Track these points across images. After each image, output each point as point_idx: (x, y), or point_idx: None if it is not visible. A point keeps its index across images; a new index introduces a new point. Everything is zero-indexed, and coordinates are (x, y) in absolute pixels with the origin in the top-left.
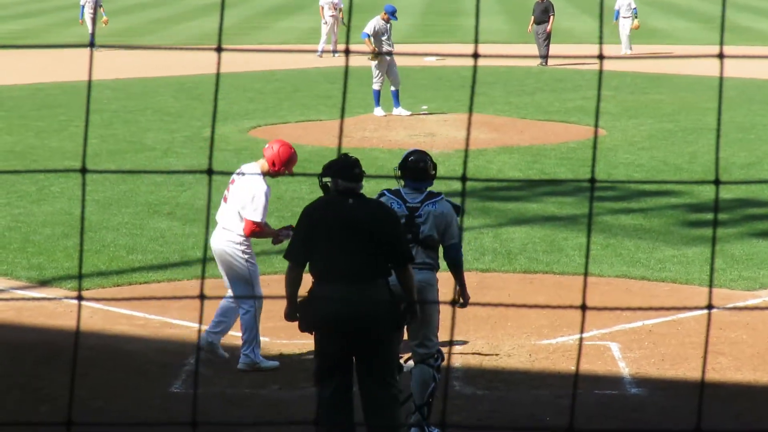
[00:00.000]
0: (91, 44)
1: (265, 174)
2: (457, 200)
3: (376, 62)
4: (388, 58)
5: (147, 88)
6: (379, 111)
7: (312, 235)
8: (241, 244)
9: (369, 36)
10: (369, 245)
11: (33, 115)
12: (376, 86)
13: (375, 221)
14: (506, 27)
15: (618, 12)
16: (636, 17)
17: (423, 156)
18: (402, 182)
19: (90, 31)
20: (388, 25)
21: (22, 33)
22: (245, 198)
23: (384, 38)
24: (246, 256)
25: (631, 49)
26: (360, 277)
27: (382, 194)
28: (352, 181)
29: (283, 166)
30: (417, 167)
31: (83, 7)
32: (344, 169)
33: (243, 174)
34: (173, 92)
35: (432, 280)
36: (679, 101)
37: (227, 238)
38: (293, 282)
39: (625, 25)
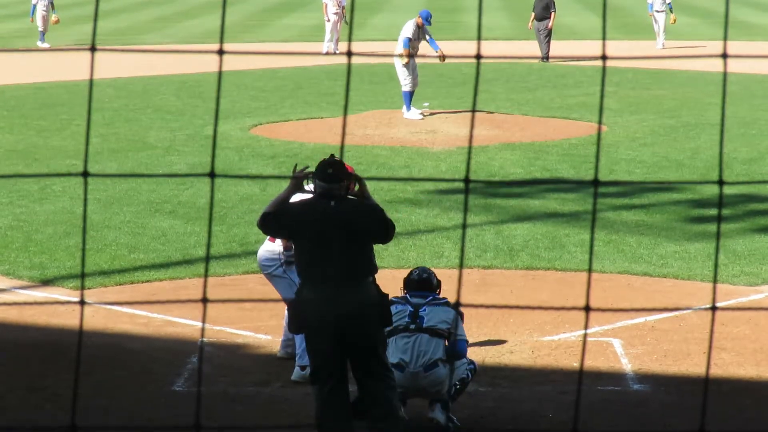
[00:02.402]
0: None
1: None
2: (460, 198)
3: (405, 64)
4: (415, 60)
5: (148, 87)
6: (414, 113)
7: (294, 238)
8: (280, 256)
9: (410, 41)
10: (352, 244)
11: (34, 114)
12: (406, 88)
13: (357, 221)
14: (507, 23)
15: (651, 5)
16: (671, 11)
17: (426, 269)
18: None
19: (41, 29)
20: (420, 30)
21: (24, 32)
22: None
23: (416, 42)
24: (284, 267)
25: (663, 45)
26: (346, 278)
27: (390, 302)
28: (326, 181)
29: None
30: (420, 278)
31: (35, 6)
32: (319, 169)
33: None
34: (175, 90)
35: (441, 377)
36: (681, 97)
37: (269, 251)
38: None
39: (659, 20)
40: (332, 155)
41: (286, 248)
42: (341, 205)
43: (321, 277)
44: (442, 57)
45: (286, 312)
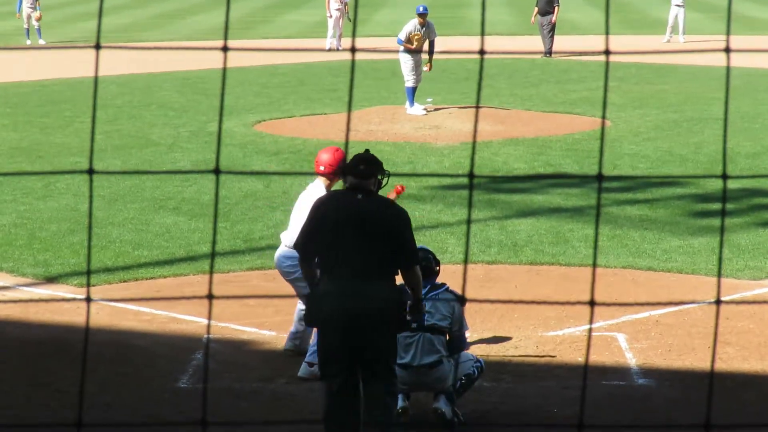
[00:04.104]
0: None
1: (327, 186)
2: (463, 193)
3: (410, 60)
4: (420, 56)
5: (151, 84)
6: (417, 109)
7: (317, 229)
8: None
9: (403, 41)
10: (374, 242)
11: (38, 112)
12: (409, 84)
13: (382, 219)
14: (510, 18)
15: None
16: None
17: (425, 254)
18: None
19: (26, 26)
20: (424, 27)
21: (23, 30)
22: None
23: (416, 38)
24: None
25: (670, 40)
26: (364, 273)
27: None
28: (357, 177)
29: (338, 172)
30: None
31: (20, 1)
32: (351, 164)
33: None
34: (178, 87)
35: (446, 373)
36: (684, 91)
37: (290, 257)
38: (307, 277)
39: (678, 14)
40: (367, 150)
41: None
42: (368, 200)
43: (339, 271)
44: (429, 67)
45: (298, 306)
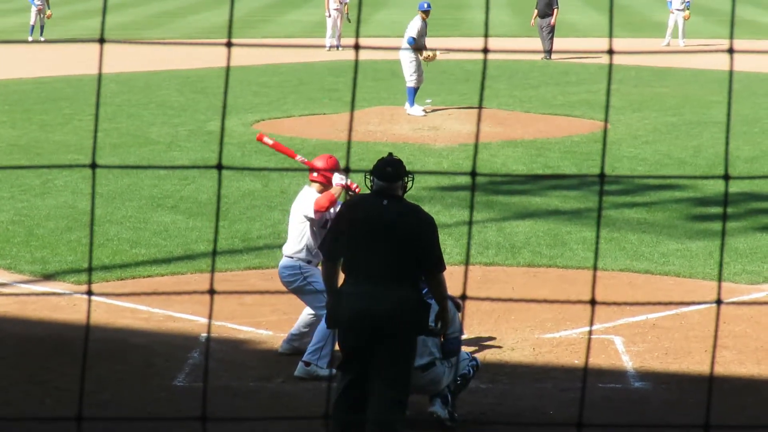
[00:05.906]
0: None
1: (321, 191)
2: (461, 195)
3: (413, 60)
4: (420, 56)
5: (151, 82)
6: (416, 109)
7: (342, 231)
8: (301, 269)
9: (415, 40)
10: (397, 248)
11: (37, 109)
12: (411, 84)
13: (407, 224)
14: (510, 20)
15: (671, 2)
16: (688, 8)
17: None
18: None
19: (32, 23)
20: (426, 24)
21: (25, 26)
22: (302, 208)
23: (422, 39)
24: (308, 279)
25: (670, 44)
26: (385, 278)
27: None
28: (384, 180)
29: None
30: None
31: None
32: (378, 168)
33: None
34: (177, 86)
35: (440, 376)
36: (683, 94)
37: (289, 267)
38: (327, 276)
39: (678, 19)
40: (390, 153)
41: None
42: (394, 205)
43: (361, 274)
44: (431, 58)
45: (304, 311)
